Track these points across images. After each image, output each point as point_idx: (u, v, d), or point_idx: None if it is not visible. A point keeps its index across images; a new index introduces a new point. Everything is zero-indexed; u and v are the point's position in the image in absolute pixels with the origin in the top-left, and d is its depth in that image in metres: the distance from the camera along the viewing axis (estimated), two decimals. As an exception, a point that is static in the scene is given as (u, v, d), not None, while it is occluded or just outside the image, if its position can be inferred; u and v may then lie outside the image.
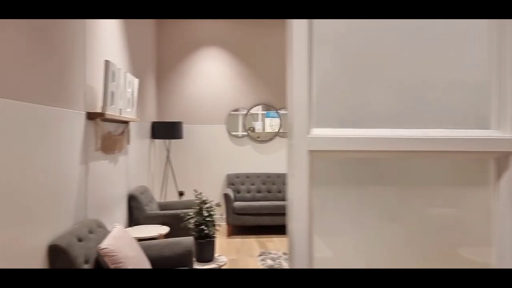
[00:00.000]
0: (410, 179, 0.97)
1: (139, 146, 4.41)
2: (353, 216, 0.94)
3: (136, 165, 4.26)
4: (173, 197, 5.49)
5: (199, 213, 2.99)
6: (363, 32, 0.93)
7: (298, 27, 0.88)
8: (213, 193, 5.59)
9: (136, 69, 4.25)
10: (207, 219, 2.96)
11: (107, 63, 2.72)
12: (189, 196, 5.53)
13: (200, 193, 3.05)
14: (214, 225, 2.98)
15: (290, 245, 0.96)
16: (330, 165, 0.93)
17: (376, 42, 0.93)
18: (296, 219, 0.89)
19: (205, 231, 2.95)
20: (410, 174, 0.97)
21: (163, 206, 4.46)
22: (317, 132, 0.91)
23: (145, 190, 4.17)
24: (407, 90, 0.95)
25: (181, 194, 5.52)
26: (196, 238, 2.94)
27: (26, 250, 1.88)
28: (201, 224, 2.94)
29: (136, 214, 3.82)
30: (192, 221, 2.98)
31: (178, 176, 5.51)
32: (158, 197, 5.36)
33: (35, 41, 1.99)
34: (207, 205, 3.01)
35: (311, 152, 0.89)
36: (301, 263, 0.90)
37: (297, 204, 0.89)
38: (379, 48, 0.93)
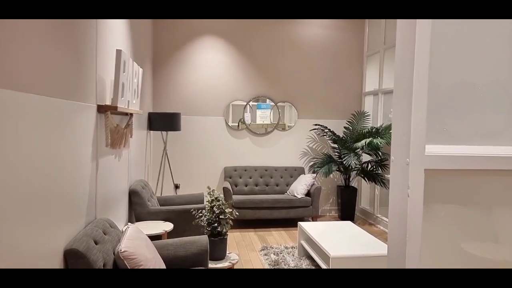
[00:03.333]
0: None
1: (138, 138, 4.23)
2: (462, 238, 0.89)
3: (136, 159, 4.09)
4: (168, 190, 5.35)
5: (211, 210, 2.90)
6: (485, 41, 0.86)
7: (420, 31, 0.81)
8: (211, 186, 5.49)
9: (137, 57, 4.04)
10: (220, 216, 2.87)
11: (119, 52, 2.55)
12: (184, 190, 5.41)
13: (213, 190, 2.96)
14: (227, 223, 2.90)
15: (390, 263, 0.90)
16: (443, 183, 0.87)
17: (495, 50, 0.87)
18: (409, 243, 0.83)
19: (218, 229, 2.86)
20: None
21: (161, 201, 4.33)
22: (432, 149, 0.85)
23: (145, 185, 4.02)
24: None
25: (176, 187, 5.39)
26: (208, 236, 2.86)
27: (41, 255, 1.74)
28: (213, 222, 2.86)
29: (138, 210, 3.67)
30: (204, 219, 2.88)
31: (174, 168, 5.36)
32: (154, 191, 5.21)
33: (49, 31, 1.82)
34: (219, 202, 2.93)
35: (428, 171, 0.83)
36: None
37: (412, 227, 0.83)
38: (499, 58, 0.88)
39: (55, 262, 1.88)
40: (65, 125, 1.98)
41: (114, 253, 2.25)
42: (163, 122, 4.82)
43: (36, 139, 1.65)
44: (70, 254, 1.96)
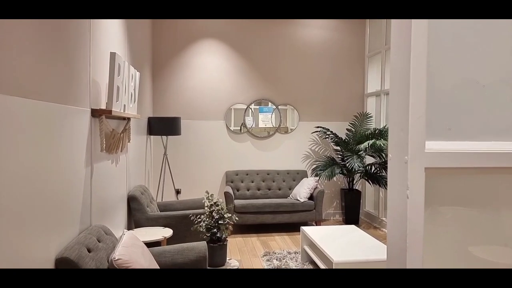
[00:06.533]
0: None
1: (137, 143, 4.18)
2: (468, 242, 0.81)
3: (135, 164, 4.04)
4: (169, 196, 5.29)
5: (210, 215, 2.82)
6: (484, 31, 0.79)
7: (416, 29, 0.74)
8: (212, 191, 5.42)
9: (134, 61, 4.00)
10: (219, 222, 2.80)
11: (113, 55, 2.50)
12: (185, 195, 5.34)
13: (212, 195, 2.89)
14: (226, 228, 2.82)
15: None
16: (446, 183, 0.79)
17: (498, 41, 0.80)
18: (410, 249, 0.75)
19: (217, 235, 2.79)
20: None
21: (162, 207, 4.26)
22: (433, 146, 0.77)
23: (144, 190, 3.96)
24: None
25: (177, 192, 5.32)
26: (207, 242, 2.78)
27: (32, 264, 1.68)
28: (212, 228, 2.78)
29: (137, 216, 3.61)
30: (203, 224, 2.81)
31: (175, 174, 5.30)
32: (154, 196, 5.15)
33: (40, 33, 1.77)
34: (218, 207, 2.85)
35: (428, 170, 0.75)
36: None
37: (412, 231, 0.75)
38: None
39: (45, 271, 1.81)
40: (56, 129, 1.93)
41: (108, 261, 2.18)
42: (163, 126, 4.77)
43: (24, 144, 1.60)
44: (61, 263, 1.90)
